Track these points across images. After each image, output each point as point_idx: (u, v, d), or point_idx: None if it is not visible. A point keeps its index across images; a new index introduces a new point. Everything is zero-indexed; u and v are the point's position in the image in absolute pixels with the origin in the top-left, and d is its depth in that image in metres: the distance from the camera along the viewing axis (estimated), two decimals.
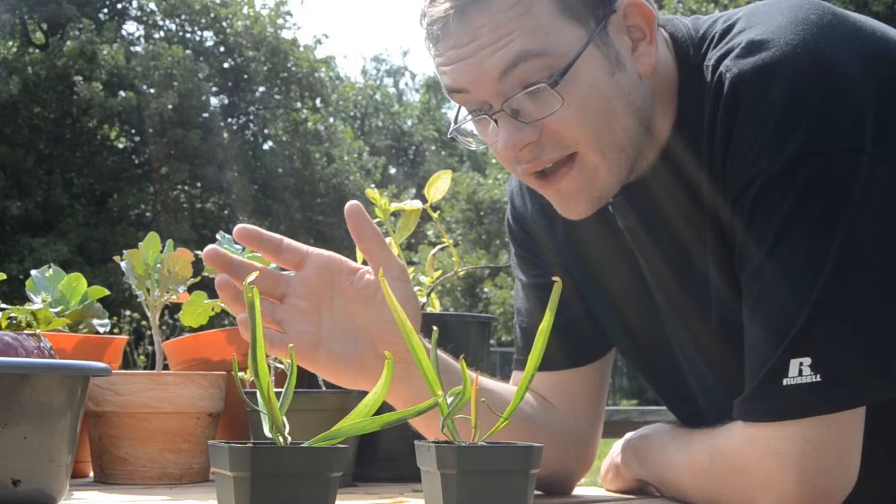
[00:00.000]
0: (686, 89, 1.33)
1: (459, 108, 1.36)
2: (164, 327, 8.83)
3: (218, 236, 1.86)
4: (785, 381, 1.19)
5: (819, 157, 1.19)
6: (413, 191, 26.87)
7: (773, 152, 1.20)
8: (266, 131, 24.61)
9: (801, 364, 1.18)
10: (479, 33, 1.24)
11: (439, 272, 1.83)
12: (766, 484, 1.22)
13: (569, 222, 1.48)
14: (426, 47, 1.33)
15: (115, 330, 1.88)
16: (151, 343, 1.68)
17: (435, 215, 1.77)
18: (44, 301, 1.73)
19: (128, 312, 9.49)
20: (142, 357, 8.99)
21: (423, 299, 1.81)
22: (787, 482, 1.21)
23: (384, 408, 1.00)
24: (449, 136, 1.38)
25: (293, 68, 24.38)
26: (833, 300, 1.18)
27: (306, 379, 1.68)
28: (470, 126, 1.35)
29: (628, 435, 1.57)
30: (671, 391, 1.55)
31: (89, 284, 1.81)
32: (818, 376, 1.18)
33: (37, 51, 22.10)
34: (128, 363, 8.23)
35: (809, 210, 1.19)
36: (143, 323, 8.48)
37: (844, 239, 1.18)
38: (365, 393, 1.02)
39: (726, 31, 1.30)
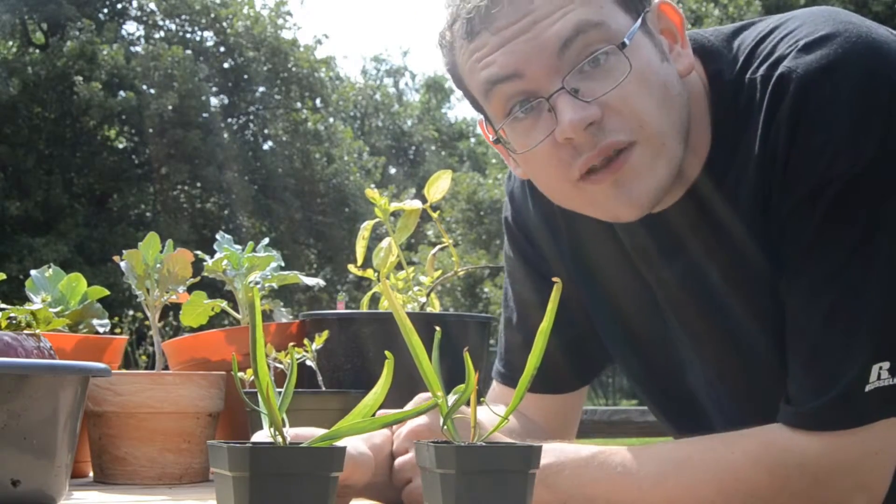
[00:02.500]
0: (723, 114, 1.29)
1: (486, 124, 1.29)
2: (167, 328, 8.82)
3: (218, 236, 1.86)
4: (867, 388, 1.19)
5: (894, 156, 1.18)
6: (413, 191, 26.86)
7: (849, 155, 1.18)
8: (266, 131, 24.60)
9: (880, 368, 1.19)
10: (534, 5, 1.19)
11: (439, 272, 1.83)
12: (860, 485, 1.22)
13: (574, 236, 1.46)
14: (453, 51, 1.27)
15: (117, 330, 1.88)
16: (153, 343, 1.68)
17: (435, 215, 1.77)
18: (43, 301, 1.73)
19: (130, 312, 9.49)
20: (143, 357, 8.99)
21: (422, 299, 1.81)
22: (883, 478, 1.22)
23: (384, 408, 1.00)
24: (493, 139, 1.30)
25: (293, 68, 24.37)
26: None
27: (306, 379, 1.69)
28: (509, 131, 1.27)
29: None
30: (676, 409, 1.53)
31: (89, 284, 1.81)
32: (894, 379, 1.19)
33: (37, 51, 22.10)
34: (129, 363, 8.23)
35: (889, 212, 1.19)
36: (147, 323, 8.46)
37: None
38: (365, 393, 1.02)
39: (766, 43, 1.27)
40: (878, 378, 1.19)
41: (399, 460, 1.29)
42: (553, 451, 1.26)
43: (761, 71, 1.25)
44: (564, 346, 1.43)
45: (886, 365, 1.19)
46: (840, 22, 1.23)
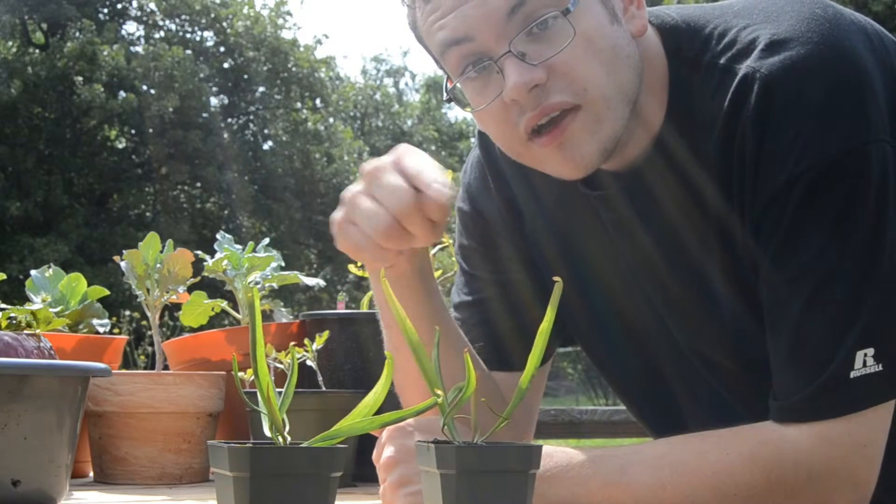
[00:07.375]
0: (679, 82, 1.32)
1: (446, 78, 1.33)
2: (163, 328, 8.83)
3: (218, 236, 1.87)
4: (852, 374, 1.19)
5: (861, 150, 1.20)
6: None
7: (816, 151, 1.20)
8: (266, 131, 24.60)
9: (865, 355, 1.19)
10: None
11: (439, 272, 1.83)
12: (850, 480, 1.22)
13: (546, 216, 1.47)
14: (411, 15, 1.31)
15: (116, 330, 1.87)
16: (152, 343, 1.68)
17: None
18: (44, 301, 1.73)
19: (127, 312, 9.49)
20: (142, 357, 8.98)
21: None
22: (872, 472, 1.22)
23: (384, 408, 1.00)
24: (445, 99, 1.34)
25: (293, 68, 24.36)
26: (891, 289, 1.20)
27: (306, 379, 1.69)
28: (464, 89, 1.31)
29: None
30: (646, 392, 1.53)
31: (89, 284, 1.81)
32: (880, 365, 1.19)
33: (37, 51, 22.09)
34: (128, 363, 8.23)
35: (860, 203, 1.20)
36: (144, 323, 8.48)
37: (894, 228, 1.20)
38: (364, 393, 1.02)
39: (726, 29, 1.30)
40: (864, 365, 1.19)
41: (379, 457, 1.28)
42: (543, 458, 1.25)
43: (722, 60, 1.27)
44: (520, 330, 1.46)
45: (871, 351, 1.19)
46: (803, 19, 1.24)
